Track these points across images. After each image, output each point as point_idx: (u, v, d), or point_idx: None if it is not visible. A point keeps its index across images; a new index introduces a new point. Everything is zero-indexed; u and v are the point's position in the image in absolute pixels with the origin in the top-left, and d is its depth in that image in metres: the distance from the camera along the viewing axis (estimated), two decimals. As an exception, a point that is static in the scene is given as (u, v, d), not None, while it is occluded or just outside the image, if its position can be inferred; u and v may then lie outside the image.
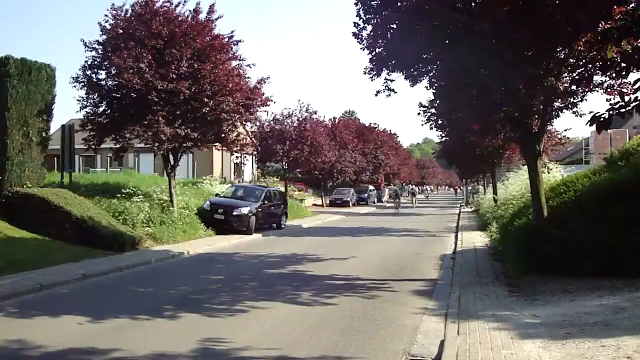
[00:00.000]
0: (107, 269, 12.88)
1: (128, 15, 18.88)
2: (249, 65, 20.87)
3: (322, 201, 46.75)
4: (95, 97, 19.36)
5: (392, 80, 12.50)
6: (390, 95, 12.92)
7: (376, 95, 13.38)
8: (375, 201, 57.85)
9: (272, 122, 35.73)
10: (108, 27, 18.81)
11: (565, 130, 30.64)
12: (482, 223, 25.57)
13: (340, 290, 11.04)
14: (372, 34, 11.76)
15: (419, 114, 22.72)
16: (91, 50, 19.03)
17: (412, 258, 16.32)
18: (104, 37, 18.90)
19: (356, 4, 11.38)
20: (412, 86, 12.82)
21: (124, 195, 19.55)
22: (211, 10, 19.38)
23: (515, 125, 12.26)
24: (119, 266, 13.33)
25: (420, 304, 9.95)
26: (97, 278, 12.12)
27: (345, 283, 12.01)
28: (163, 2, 19.09)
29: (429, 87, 16.37)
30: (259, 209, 22.88)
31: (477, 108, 12.82)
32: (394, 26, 11.28)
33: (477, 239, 20.28)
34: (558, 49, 10.69)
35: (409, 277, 12.98)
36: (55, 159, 23.62)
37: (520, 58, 10.10)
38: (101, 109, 19.53)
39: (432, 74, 13.02)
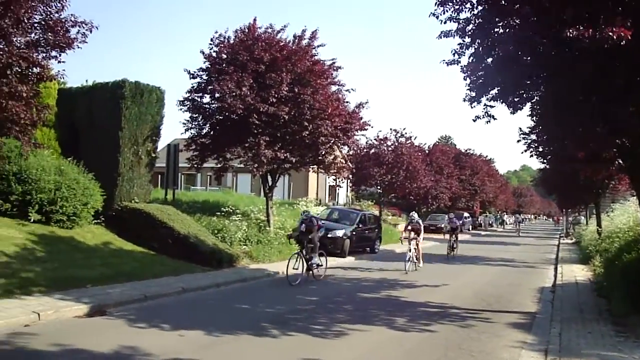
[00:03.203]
0: (206, 284, 13.34)
1: (231, 42, 19.63)
2: (348, 90, 21.18)
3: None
4: (199, 119, 20.22)
5: (492, 107, 12.30)
6: (489, 121, 12.68)
7: (474, 121, 13.15)
8: (470, 228, 56.42)
9: (368, 146, 35.82)
10: (213, 54, 19.62)
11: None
12: (584, 256, 24.36)
13: (435, 318, 10.87)
14: (471, 61, 11.63)
15: (518, 141, 22.06)
16: (195, 78, 19.92)
17: (508, 289, 15.81)
18: (207, 63, 19.71)
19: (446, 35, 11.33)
20: (513, 113, 12.51)
21: (223, 213, 20.20)
22: (313, 36, 19.84)
23: (626, 154, 11.67)
24: (216, 282, 13.76)
25: (518, 337, 9.61)
26: (196, 292, 12.57)
27: (440, 311, 11.80)
28: (265, 28, 19.77)
29: (530, 115, 15.97)
30: (354, 232, 22.92)
31: (583, 136, 12.31)
32: (494, 52, 11.13)
33: (578, 273, 19.34)
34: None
35: (505, 308, 12.57)
36: (159, 176, 24.80)
37: (629, 87, 9.66)
38: (204, 131, 20.36)
39: (534, 100, 12.70)
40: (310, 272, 15.58)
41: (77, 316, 9.52)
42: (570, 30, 8.51)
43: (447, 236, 26.38)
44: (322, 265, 16.10)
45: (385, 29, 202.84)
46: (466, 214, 55.96)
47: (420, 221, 20.28)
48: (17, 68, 9.63)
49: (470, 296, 14.03)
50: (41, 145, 12.61)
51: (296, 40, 19.82)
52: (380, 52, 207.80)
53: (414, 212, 21.77)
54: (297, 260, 14.90)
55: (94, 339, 8.01)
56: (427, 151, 46.14)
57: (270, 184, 21.14)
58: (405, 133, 37.40)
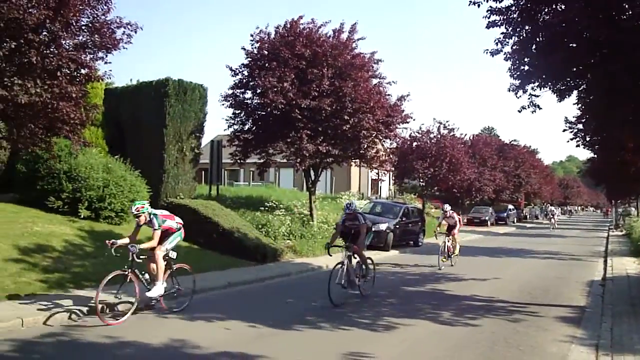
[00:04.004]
0: (250, 279, 13.52)
1: (272, 37, 19.73)
2: (389, 83, 21.10)
3: (459, 219, 45.75)
4: (241, 115, 20.43)
5: (537, 96, 12.12)
6: (535, 111, 12.52)
7: (520, 112, 13.00)
8: (515, 221, 55.62)
9: (410, 139, 35.57)
10: (255, 50, 19.76)
11: None
12: (636, 248, 23.72)
13: (481, 312, 10.77)
14: (515, 48, 11.47)
15: (564, 130, 21.56)
16: (236, 74, 20.10)
17: (556, 282, 15.53)
18: (249, 59, 19.86)
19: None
20: (560, 101, 12.34)
21: (266, 208, 20.39)
22: (353, 29, 19.80)
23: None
24: (261, 276, 13.92)
25: (566, 332, 9.42)
26: (241, 286, 12.74)
27: (486, 304, 11.68)
28: (307, 23, 19.81)
29: (577, 102, 15.64)
30: (397, 226, 22.83)
31: (634, 124, 12.00)
32: (539, 39, 10.95)
33: (629, 265, 18.83)
34: None
35: (553, 302, 12.34)
36: (203, 172, 25.17)
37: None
38: (247, 126, 20.56)
39: (581, 88, 12.45)
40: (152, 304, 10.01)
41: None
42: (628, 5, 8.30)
43: (440, 239, 18.83)
44: (178, 291, 10.17)
45: (426, 20, 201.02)
46: (510, 206, 55.19)
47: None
48: (66, 70, 9.93)
49: (517, 289, 13.84)
50: (90, 144, 12.96)
51: (336, 34, 19.80)
52: (422, 44, 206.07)
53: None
54: (121, 286, 9.19)
55: (144, 331, 8.24)
56: (470, 143, 45.55)
57: (312, 178, 21.23)
58: (448, 125, 37.07)
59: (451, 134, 36.87)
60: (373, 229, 21.16)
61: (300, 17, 19.80)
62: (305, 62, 18.81)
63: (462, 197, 44.18)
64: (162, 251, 9.79)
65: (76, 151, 13.74)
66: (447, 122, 37.07)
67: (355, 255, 11.71)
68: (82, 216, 15.08)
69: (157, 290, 9.55)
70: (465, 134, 43.51)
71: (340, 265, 11.23)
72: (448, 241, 18.26)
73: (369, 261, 12.15)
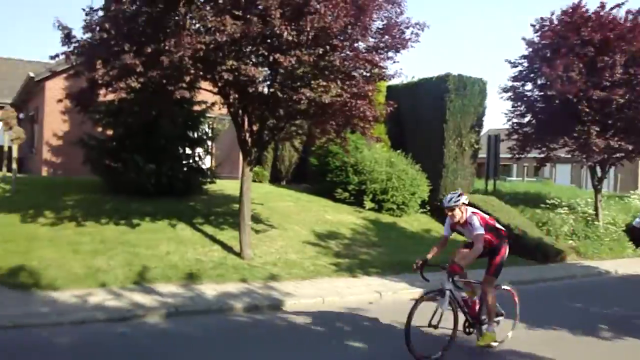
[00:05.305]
0: (532, 278, 13.13)
1: (553, 24, 18.68)
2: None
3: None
4: (521, 108, 19.79)
5: None
6: None
7: None
8: None
9: None
10: (535, 39, 18.94)
11: None
12: None
13: None
14: None
15: None
16: (516, 66, 19.49)
17: None
18: (529, 50, 19.08)
19: None
20: None
21: (547, 205, 19.51)
22: (652, 10, 17.83)
23: None
24: (543, 277, 13.43)
25: None
26: (523, 285, 12.32)
27: None
28: (596, 7, 18.37)
29: None
30: (701, 233, 19.98)
31: None
32: None
33: None
34: None
35: None
36: (477, 166, 25.06)
37: None
38: (526, 120, 19.86)
39: None
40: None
41: (412, 299, 10.18)
42: None
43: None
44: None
45: None
46: None
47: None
48: (362, 70, 10.71)
49: None
50: (380, 139, 13.77)
51: (630, 17, 18.01)
52: None
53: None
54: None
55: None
56: None
57: (599, 175, 19.65)
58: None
59: None
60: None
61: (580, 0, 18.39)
62: (594, 48, 17.46)
63: None
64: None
65: (369, 145, 14.73)
66: None
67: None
68: (366, 207, 16.17)
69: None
70: None
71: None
72: (455, 284, 7.32)
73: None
